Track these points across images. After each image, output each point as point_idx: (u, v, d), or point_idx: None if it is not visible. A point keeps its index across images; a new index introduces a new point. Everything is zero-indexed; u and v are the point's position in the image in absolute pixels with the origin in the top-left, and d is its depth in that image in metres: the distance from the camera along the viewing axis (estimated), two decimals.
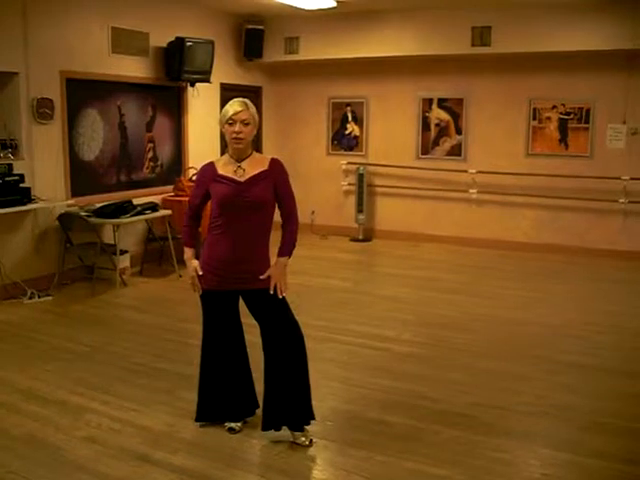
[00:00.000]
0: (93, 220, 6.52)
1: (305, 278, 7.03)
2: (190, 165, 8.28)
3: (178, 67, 7.77)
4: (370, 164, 9.60)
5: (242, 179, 3.35)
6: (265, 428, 3.51)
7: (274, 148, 9.79)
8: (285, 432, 3.51)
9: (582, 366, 4.70)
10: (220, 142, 8.67)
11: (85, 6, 6.83)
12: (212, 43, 8.11)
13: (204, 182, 3.45)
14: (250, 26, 9.03)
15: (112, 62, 7.23)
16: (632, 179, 8.03)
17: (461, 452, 3.45)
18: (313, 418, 3.54)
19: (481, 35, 8.04)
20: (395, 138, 9.47)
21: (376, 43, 8.63)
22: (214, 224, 3.41)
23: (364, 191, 9.52)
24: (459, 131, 9.10)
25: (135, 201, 7.00)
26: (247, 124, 3.33)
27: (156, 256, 7.63)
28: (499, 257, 8.42)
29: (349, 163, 9.76)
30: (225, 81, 9.00)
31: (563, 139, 8.51)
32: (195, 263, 3.46)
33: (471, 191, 8.99)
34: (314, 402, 3.55)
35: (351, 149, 9.85)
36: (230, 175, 3.36)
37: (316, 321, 5.48)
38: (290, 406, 3.48)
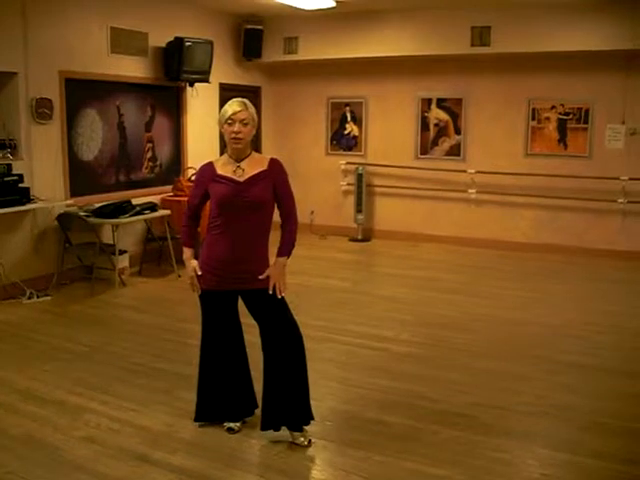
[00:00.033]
0: (92, 220, 6.52)
1: (304, 278, 7.03)
2: (189, 165, 8.28)
3: (177, 67, 7.76)
4: (369, 164, 9.60)
5: (241, 179, 3.35)
6: (264, 428, 3.51)
7: (273, 148, 9.79)
8: (284, 432, 3.51)
9: (582, 366, 4.70)
10: (219, 142, 8.66)
11: (84, 6, 6.83)
12: (211, 43, 8.10)
13: (203, 182, 3.45)
14: (249, 26, 9.03)
15: (111, 62, 7.22)
16: (631, 179, 8.03)
17: (460, 452, 3.44)
18: (312, 418, 3.54)
19: (480, 35, 8.04)
20: (394, 138, 9.47)
21: (375, 43, 8.63)
22: (213, 224, 3.41)
23: (363, 191, 9.52)
24: (458, 131, 9.10)
25: (134, 201, 7.00)
26: (246, 124, 3.33)
27: (155, 256, 7.62)
28: (498, 257, 8.42)
29: (348, 163, 9.76)
30: (224, 81, 9.00)
31: (562, 139, 8.51)
32: (194, 263, 3.46)
33: (470, 191, 8.99)
34: (313, 402, 3.55)
35: (350, 149, 9.85)
36: (229, 175, 3.36)
37: (315, 321, 5.48)
38: (289, 406, 3.48)
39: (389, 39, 8.55)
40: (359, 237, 9.58)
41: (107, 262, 6.67)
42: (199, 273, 3.43)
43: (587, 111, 8.30)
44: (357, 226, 9.61)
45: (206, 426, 3.67)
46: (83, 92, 6.97)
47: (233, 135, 3.32)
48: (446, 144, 9.20)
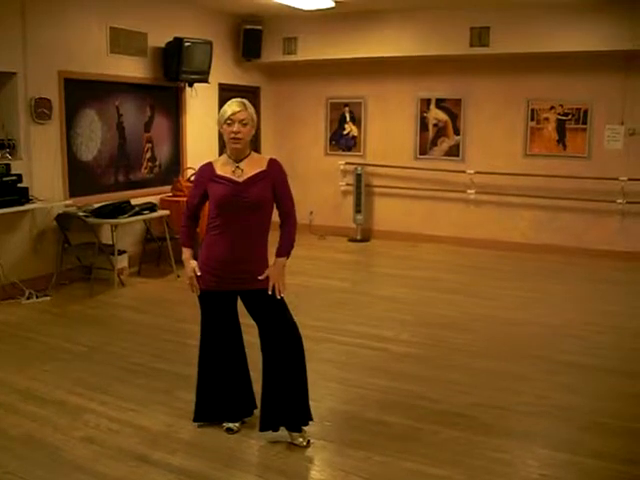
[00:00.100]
0: (91, 220, 6.51)
1: (303, 278, 7.03)
2: (188, 165, 8.27)
3: (176, 67, 7.76)
4: (368, 164, 9.60)
5: (240, 179, 3.34)
6: (263, 429, 3.51)
7: (272, 148, 9.78)
8: (283, 432, 3.50)
9: (582, 366, 4.70)
10: (218, 142, 8.65)
11: (84, 6, 6.82)
12: (210, 43, 8.10)
13: (202, 182, 3.45)
14: (248, 26, 9.03)
15: (110, 62, 7.22)
16: (630, 180, 8.03)
17: (460, 452, 3.44)
18: (311, 419, 3.53)
19: (480, 35, 8.04)
20: (393, 138, 9.47)
21: (374, 43, 8.63)
22: (212, 224, 3.40)
23: (362, 191, 9.52)
24: (457, 131, 9.10)
25: (133, 201, 7.00)
26: (245, 124, 3.33)
27: (154, 256, 7.61)
28: (497, 257, 8.42)
29: (347, 163, 9.76)
30: (223, 81, 9.00)
31: (561, 140, 8.52)
32: (193, 263, 3.46)
33: (469, 191, 8.99)
34: (312, 402, 3.55)
35: (349, 149, 9.85)
36: (228, 175, 3.36)
37: (314, 321, 5.47)
38: (288, 407, 3.47)
39: (388, 39, 8.55)
40: (358, 237, 9.58)
41: (106, 262, 6.67)
42: (198, 273, 3.42)
43: (586, 111, 8.30)
44: (356, 226, 9.61)
45: (205, 426, 3.67)
46: (82, 92, 6.96)
47: (232, 135, 3.32)
48: (445, 144, 9.20)
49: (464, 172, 8.98)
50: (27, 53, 6.25)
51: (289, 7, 7.95)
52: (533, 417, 3.88)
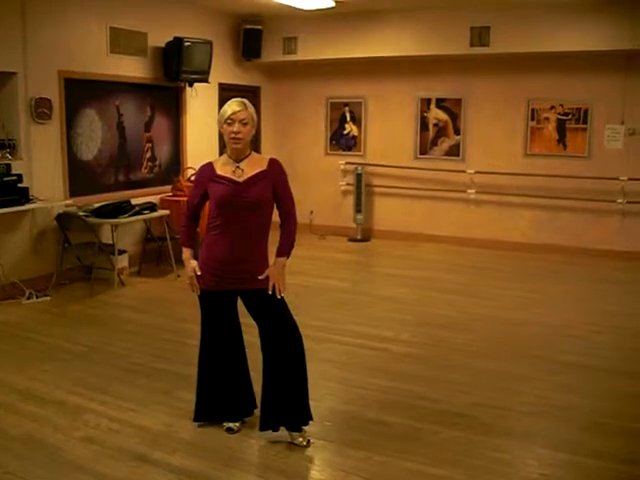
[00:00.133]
0: (91, 220, 6.51)
1: (303, 278, 7.03)
2: (188, 165, 8.27)
3: (176, 67, 7.76)
4: (368, 164, 9.60)
5: (240, 179, 3.34)
6: (263, 428, 3.51)
7: (272, 148, 9.78)
8: (283, 432, 3.50)
9: (582, 366, 4.70)
10: (219, 142, 8.66)
11: (84, 6, 6.82)
12: (210, 43, 8.10)
13: (202, 182, 3.45)
14: (248, 26, 9.03)
15: (110, 62, 7.22)
16: (630, 179, 8.03)
17: (460, 452, 3.44)
18: (311, 419, 3.53)
19: (480, 35, 8.04)
20: (393, 138, 9.47)
21: (374, 43, 8.63)
22: (212, 224, 3.40)
23: (362, 191, 9.52)
24: (457, 131, 9.10)
25: (133, 201, 7.00)
26: (245, 124, 3.33)
27: (154, 256, 7.61)
28: (497, 257, 8.42)
29: (347, 163, 9.76)
30: (223, 81, 9.00)
31: (561, 139, 8.52)
32: (194, 263, 3.46)
33: (469, 191, 8.99)
34: (312, 402, 3.55)
35: (349, 149, 9.85)
36: (228, 175, 3.36)
37: (314, 321, 5.47)
38: (288, 406, 3.47)
39: (388, 39, 8.55)
40: (358, 237, 9.58)
41: (106, 262, 6.67)
42: (198, 273, 3.42)
43: (586, 111, 8.30)
44: (356, 226, 9.61)
45: (205, 426, 3.67)
46: (82, 92, 6.96)
47: (232, 135, 3.32)
48: (445, 144, 9.20)
49: (464, 172, 8.98)
50: (27, 53, 6.25)
51: (289, 7, 7.95)
52: (533, 417, 3.88)
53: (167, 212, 7.29)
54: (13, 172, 6.06)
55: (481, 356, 4.89)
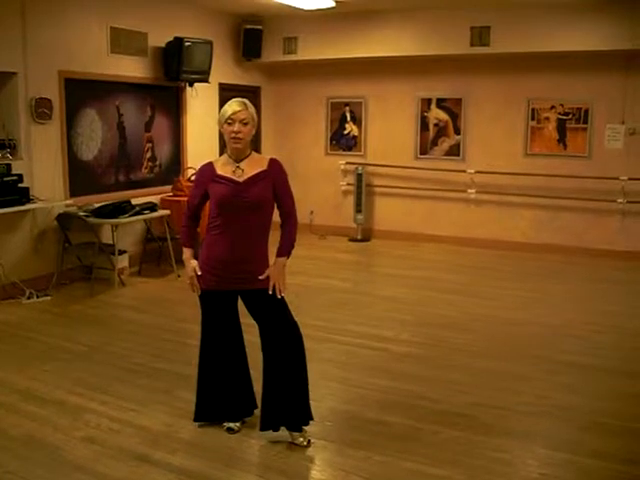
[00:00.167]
0: (92, 220, 6.51)
1: (304, 278, 7.03)
2: (189, 165, 8.28)
3: (177, 67, 7.76)
4: (369, 164, 9.60)
5: (241, 179, 3.34)
6: (263, 428, 3.51)
7: (273, 148, 9.79)
8: (283, 432, 3.50)
9: (582, 366, 4.70)
10: (219, 142, 8.66)
11: (84, 6, 6.82)
12: (210, 43, 8.10)
13: (203, 182, 3.45)
14: (249, 26, 9.03)
15: (111, 62, 7.22)
16: (630, 179, 8.03)
17: (460, 452, 3.44)
18: (311, 418, 3.53)
19: (480, 35, 8.04)
20: (394, 138, 9.47)
21: (375, 43, 8.63)
22: (213, 224, 3.40)
23: (363, 191, 9.52)
24: (458, 131, 9.10)
25: (134, 201, 7.00)
26: (246, 124, 3.33)
27: (155, 256, 7.62)
28: (497, 257, 8.42)
29: (348, 163, 9.76)
30: (224, 81, 9.00)
31: (561, 139, 8.52)
32: (194, 263, 3.46)
33: (469, 191, 8.99)
34: (312, 402, 3.55)
35: (350, 149, 9.85)
36: (229, 175, 3.36)
37: (315, 321, 5.48)
38: (288, 406, 3.47)
39: (389, 39, 8.55)
40: (359, 237, 9.58)
41: (107, 262, 6.67)
42: (199, 273, 3.42)
43: (586, 111, 8.30)
44: (357, 226, 9.61)
45: (206, 426, 3.67)
46: (83, 92, 6.96)
47: (233, 135, 3.32)
48: (446, 144, 9.20)
49: (464, 172, 8.98)
50: (27, 53, 6.25)
51: (289, 7, 7.95)
52: (533, 417, 3.88)
53: (167, 212, 7.29)
54: (13, 172, 6.07)
55: (481, 356, 4.89)
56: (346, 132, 9.83)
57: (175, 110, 8.38)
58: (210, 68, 8.17)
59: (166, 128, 8.26)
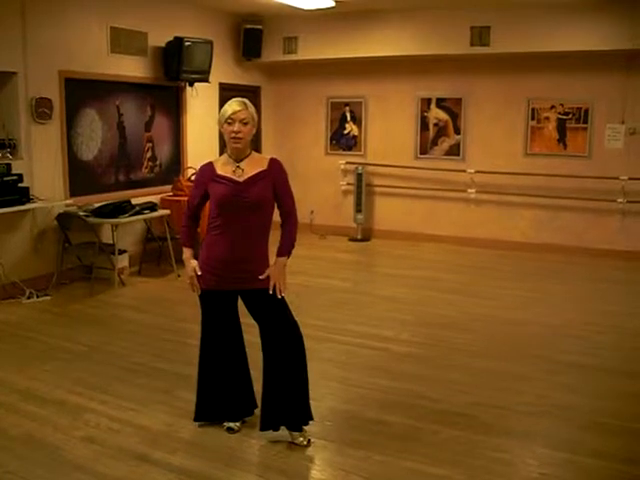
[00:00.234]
0: (92, 220, 6.51)
1: (304, 278, 7.03)
2: (189, 165, 8.28)
3: (177, 67, 7.76)
4: (369, 164, 9.60)
5: (241, 179, 3.34)
6: (263, 428, 3.51)
7: (273, 148, 9.79)
8: (283, 432, 3.51)
9: (582, 366, 4.70)
10: (219, 142, 8.66)
11: (84, 6, 6.82)
12: (211, 43, 8.10)
13: (203, 182, 3.45)
14: (249, 26, 9.03)
15: (111, 62, 7.22)
16: (630, 179, 8.03)
17: (460, 452, 3.44)
18: (311, 418, 3.53)
19: (480, 35, 8.04)
20: (394, 138, 9.47)
21: (375, 43, 8.63)
22: (213, 224, 3.40)
23: (363, 191, 9.52)
24: (458, 131, 9.10)
25: (134, 201, 7.00)
26: (246, 123, 3.33)
27: (155, 256, 7.62)
28: (497, 257, 8.42)
29: (348, 163, 9.76)
30: (224, 81, 9.00)
31: (562, 139, 8.51)
32: (194, 263, 3.46)
33: (469, 191, 8.99)
34: (312, 402, 3.55)
35: (350, 149, 9.85)
36: (229, 175, 3.36)
37: (315, 321, 5.48)
38: (288, 406, 3.47)
39: (389, 39, 8.55)
40: (359, 237, 9.58)
41: (107, 262, 6.67)
42: (199, 273, 3.42)
43: (587, 111, 8.30)
44: (357, 226, 9.61)
45: (206, 426, 3.67)
46: (83, 92, 6.96)
47: (233, 135, 3.32)
48: (446, 144, 9.20)
49: (464, 171, 8.98)
50: (27, 53, 6.25)
51: (289, 6, 7.95)
52: (533, 417, 3.88)
53: (167, 212, 7.29)
54: (13, 172, 6.07)
55: (481, 356, 4.89)
56: (346, 132, 9.83)
57: (175, 110, 8.38)
58: (210, 68, 8.17)
59: (166, 128, 8.26)
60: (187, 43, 7.71)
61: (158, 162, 8.20)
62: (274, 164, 3.44)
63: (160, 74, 7.89)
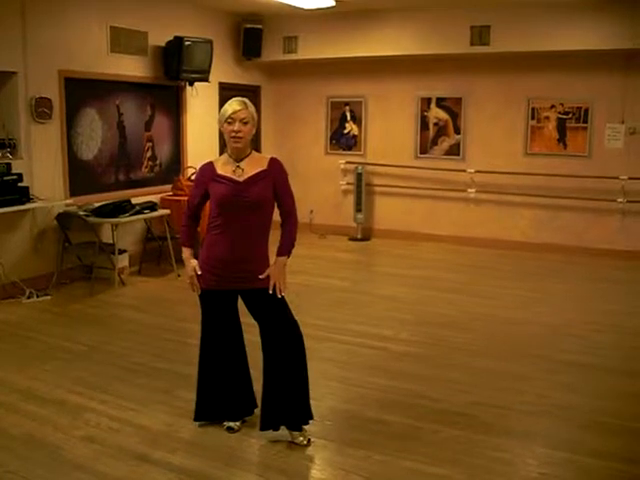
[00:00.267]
0: (92, 219, 6.51)
1: (304, 277, 7.03)
2: (189, 164, 8.28)
3: (177, 66, 7.76)
4: (369, 163, 9.60)
5: (241, 179, 3.34)
6: (263, 428, 3.51)
7: (273, 147, 9.79)
8: (283, 432, 3.51)
9: (582, 365, 4.70)
10: (219, 141, 8.66)
11: (84, 6, 6.82)
12: (211, 42, 8.10)
13: (203, 182, 3.45)
14: (249, 25, 9.03)
15: (111, 61, 7.22)
16: (630, 179, 8.03)
17: (460, 451, 3.44)
18: (311, 418, 3.54)
19: (480, 34, 8.04)
20: (394, 137, 9.47)
21: (375, 42, 8.63)
22: (213, 224, 3.40)
23: (362, 190, 9.52)
24: (458, 130, 9.10)
25: (134, 200, 7.00)
26: (246, 123, 3.33)
27: (155, 255, 7.62)
28: (497, 256, 8.42)
29: (348, 162, 9.76)
30: (224, 80, 9.00)
31: (561, 139, 8.51)
32: (194, 263, 3.46)
33: (469, 190, 8.99)
34: (312, 401, 3.55)
35: (350, 148, 9.85)
36: (229, 175, 3.36)
37: (315, 320, 5.48)
38: (288, 406, 3.48)
39: (389, 38, 8.55)
40: (359, 236, 9.58)
41: (107, 261, 6.67)
42: (199, 272, 3.42)
43: (587, 110, 8.30)
44: (357, 225, 9.61)
45: (206, 425, 3.67)
46: (83, 91, 6.96)
47: (233, 134, 3.32)
48: (445, 143, 9.20)
49: (464, 171, 8.98)
50: (27, 53, 6.25)
51: (289, 6, 7.95)
52: (533, 416, 3.88)
53: (167, 211, 7.28)
54: (13, 171, 6.07)
55: (481, 355, 4.89)
56: (346, 131, 9.83)
57: (175, 109, 8.38)
58: (210, 67, 8.17)
59: (166, 127, 8.26)
60: (187, 43, 7.71)
61: (158, 162, 8.20)
62: (274, 164, 3.44)
63: (160, 74, 7.89)
